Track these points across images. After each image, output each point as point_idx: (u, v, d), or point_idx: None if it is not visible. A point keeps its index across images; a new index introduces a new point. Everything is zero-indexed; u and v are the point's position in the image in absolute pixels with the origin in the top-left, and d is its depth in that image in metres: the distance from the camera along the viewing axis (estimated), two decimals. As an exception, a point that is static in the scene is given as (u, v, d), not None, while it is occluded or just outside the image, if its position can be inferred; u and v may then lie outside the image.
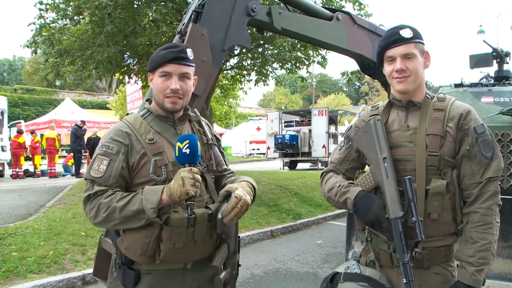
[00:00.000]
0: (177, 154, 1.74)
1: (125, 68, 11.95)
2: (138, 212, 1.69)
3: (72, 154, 16.68)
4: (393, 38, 1.85)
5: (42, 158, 18.27)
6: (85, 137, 16.95)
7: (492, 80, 4.83)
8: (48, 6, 9.90)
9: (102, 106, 37.88)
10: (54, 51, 10.36)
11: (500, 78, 4.71)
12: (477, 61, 4.90)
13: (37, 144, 17.11)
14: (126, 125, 1.88)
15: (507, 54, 4.83)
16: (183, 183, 1.67)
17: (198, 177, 1.72)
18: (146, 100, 2.04)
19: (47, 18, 10.16)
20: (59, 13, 9.99)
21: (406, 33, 1.84)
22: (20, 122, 19.83)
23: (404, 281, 1.65)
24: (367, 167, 1.99)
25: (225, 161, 2.10)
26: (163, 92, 1.85)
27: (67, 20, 10.16)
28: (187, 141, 1.73)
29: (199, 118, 2.07)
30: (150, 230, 1.74)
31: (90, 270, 4.72)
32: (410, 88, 1.87)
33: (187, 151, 1.73)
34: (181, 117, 1.97)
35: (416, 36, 1.85)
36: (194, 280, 1.89)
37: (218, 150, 2.07)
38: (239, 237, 1.99)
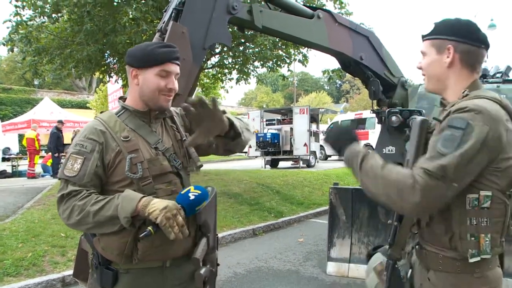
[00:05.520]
0: (183, 193, 1.72)
1: (105, 66, 11.82)
2: (112, 218, 1.66)
3: (50, 154, 16.35)
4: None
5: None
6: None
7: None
8: (24, 3, 9.72)
9: (82, 106, 37.27)
10: (31, 50, 10.18)
11: (478, 76, 4.79)
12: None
13: None
14: (101, 123, 1.84)
15: (484, 53, 4.91)
16: (164, 211, 1.63)
17: (180, 221, 1.67)
18: (120, 98, 2.00)
19: (23, 15, 9.97)
20: (37, 11, 9.82)
21: (427, 31, 1.73)
22: (-4, 122, 19.43)
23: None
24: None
25: None
26: (159, 89, 1.83)
27: (45, 17, 9.99)
28: (199, 192, 1.72)
29: (172, 114, 2.04)
30: (127, 230, 1.71)
31: (70, 272, 4.65)
32: (428, 87, 1.75)
33: (193, 197, 1.70)
34: (157, 115, 1.94)
35: (433, 32, 1.70)
36: (174, 278, 1.86)
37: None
38: (217, 235, 1.97)
